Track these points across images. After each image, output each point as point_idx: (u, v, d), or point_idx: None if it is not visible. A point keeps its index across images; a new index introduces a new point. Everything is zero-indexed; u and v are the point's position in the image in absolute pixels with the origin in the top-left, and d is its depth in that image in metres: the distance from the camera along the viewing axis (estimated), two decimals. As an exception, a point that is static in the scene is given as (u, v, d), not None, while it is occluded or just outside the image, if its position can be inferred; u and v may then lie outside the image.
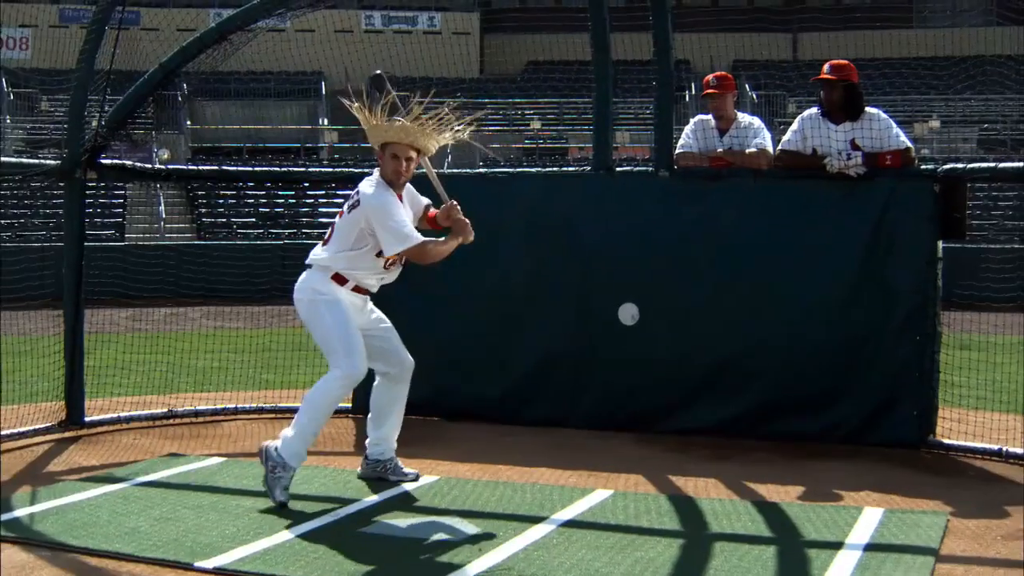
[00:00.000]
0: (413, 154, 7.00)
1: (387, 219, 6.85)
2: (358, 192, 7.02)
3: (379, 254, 6.98)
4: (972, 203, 11.45)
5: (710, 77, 9.19)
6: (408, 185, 7.22)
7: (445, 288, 9.25)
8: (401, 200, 7.06)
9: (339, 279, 7.03)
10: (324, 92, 36.14)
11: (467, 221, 7.14)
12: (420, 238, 6.92)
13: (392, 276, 7.25)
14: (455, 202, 7.17)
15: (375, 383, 7.46)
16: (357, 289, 7.11)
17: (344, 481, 7.45)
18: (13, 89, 33.04)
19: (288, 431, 6.94)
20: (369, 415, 7.51)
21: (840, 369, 8.48)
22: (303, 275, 7.14)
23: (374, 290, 7.24)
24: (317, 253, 7.12)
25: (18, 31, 36.78)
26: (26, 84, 32.27)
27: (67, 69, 9.37)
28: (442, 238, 7.13)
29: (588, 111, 10.14)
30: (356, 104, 6.95)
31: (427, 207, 7.36)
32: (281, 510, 6.68)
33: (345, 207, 7.08)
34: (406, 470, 7.46)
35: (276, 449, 6.88)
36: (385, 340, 7.32)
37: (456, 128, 7.01)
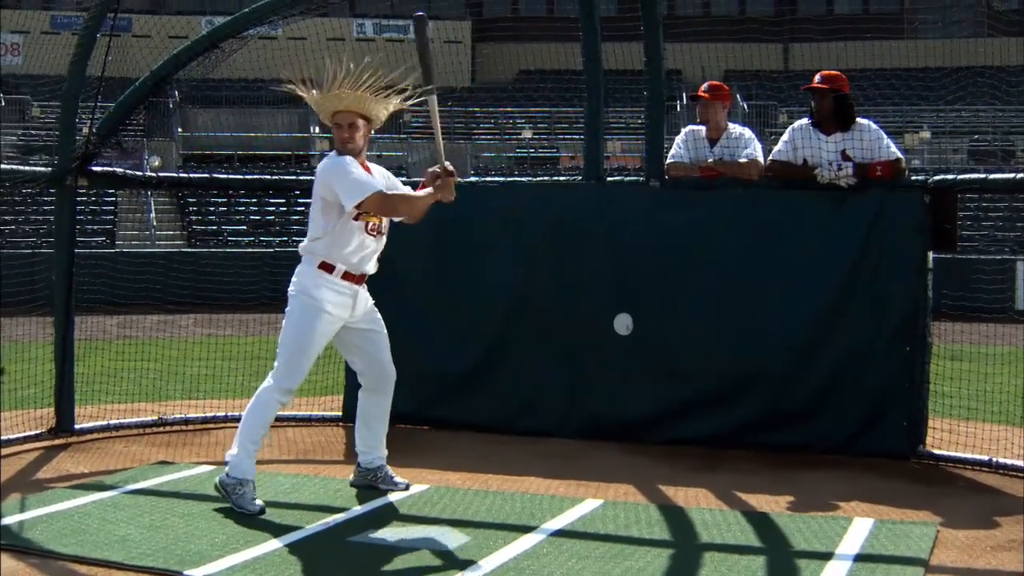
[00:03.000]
0: (357, 120, 6.86)
1: (342, 175, 6.76)
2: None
3: (357, 219, 6.85)
4: (962, 214, 11.47)
5: (705, 84, 9.20)
6: (382, 169, 7.16)
7: (436, 297, 9.26)
8: (367, 170, 6.96)
9: (326, 267, 6.92)
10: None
11: (451, 182, 6.92)
12: (378, 185, 6.79)
13: (378, 245, 7.04)
14: (449, 167, 6.88)
15: (359, 390, 7.45)
16: (347, 276, 6.95)
17: (334, 490, 7.43)
18: (4, 95, 32.95)
19: (232, 450, 6.96)
20: (356, 422, 7.50)
21: (830, 379, 8.48)
22: (298, 266, 7.07)
23: (368, 270, 7.06)
24: (304, 242, 7.06)
25: (9, 37, 36.68)
26: (17, 90, 32.23)
27: (58, 75, 9.34)
28: (418, 192, 6.99)
29: (579, 120, 10.15)
30: (301, 88, 6.89)
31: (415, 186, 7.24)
32: (265, 515, 6.71)
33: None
34: (397, 479, 7.44)
35: (227, 475, 6.92)
36: (369, 342, 7.21)
37: (399, 93, 6.86)
